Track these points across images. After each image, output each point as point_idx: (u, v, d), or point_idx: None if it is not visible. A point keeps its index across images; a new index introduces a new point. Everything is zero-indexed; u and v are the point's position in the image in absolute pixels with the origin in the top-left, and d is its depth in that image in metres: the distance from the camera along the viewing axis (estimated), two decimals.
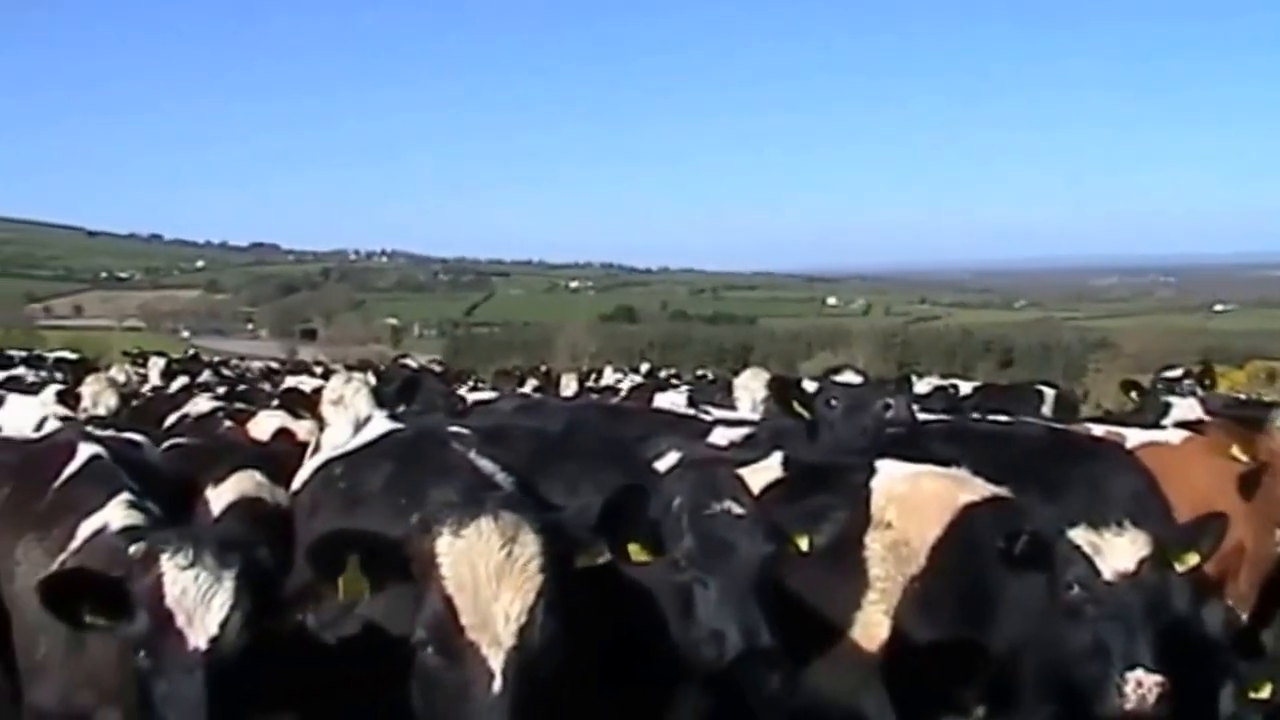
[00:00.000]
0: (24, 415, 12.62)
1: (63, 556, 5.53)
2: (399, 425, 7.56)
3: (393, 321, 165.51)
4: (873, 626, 6.03)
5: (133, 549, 4.83)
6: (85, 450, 6.37)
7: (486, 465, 6.12)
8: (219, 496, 6.47)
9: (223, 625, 4.45)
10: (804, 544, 5.39)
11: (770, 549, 5.22)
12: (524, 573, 4.17)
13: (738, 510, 5.24)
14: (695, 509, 5.25)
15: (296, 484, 7.07)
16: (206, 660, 4.39)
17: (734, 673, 5.07)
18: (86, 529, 5.61)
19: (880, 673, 6.00)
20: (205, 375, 27.04)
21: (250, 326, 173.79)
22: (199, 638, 4.42)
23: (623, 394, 23.74)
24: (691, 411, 12.10)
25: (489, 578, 4.13)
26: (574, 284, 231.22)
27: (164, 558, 4.53)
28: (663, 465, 7.04)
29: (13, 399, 13.84)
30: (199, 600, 4.45)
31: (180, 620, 4.42)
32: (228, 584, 4.50)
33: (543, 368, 39.40)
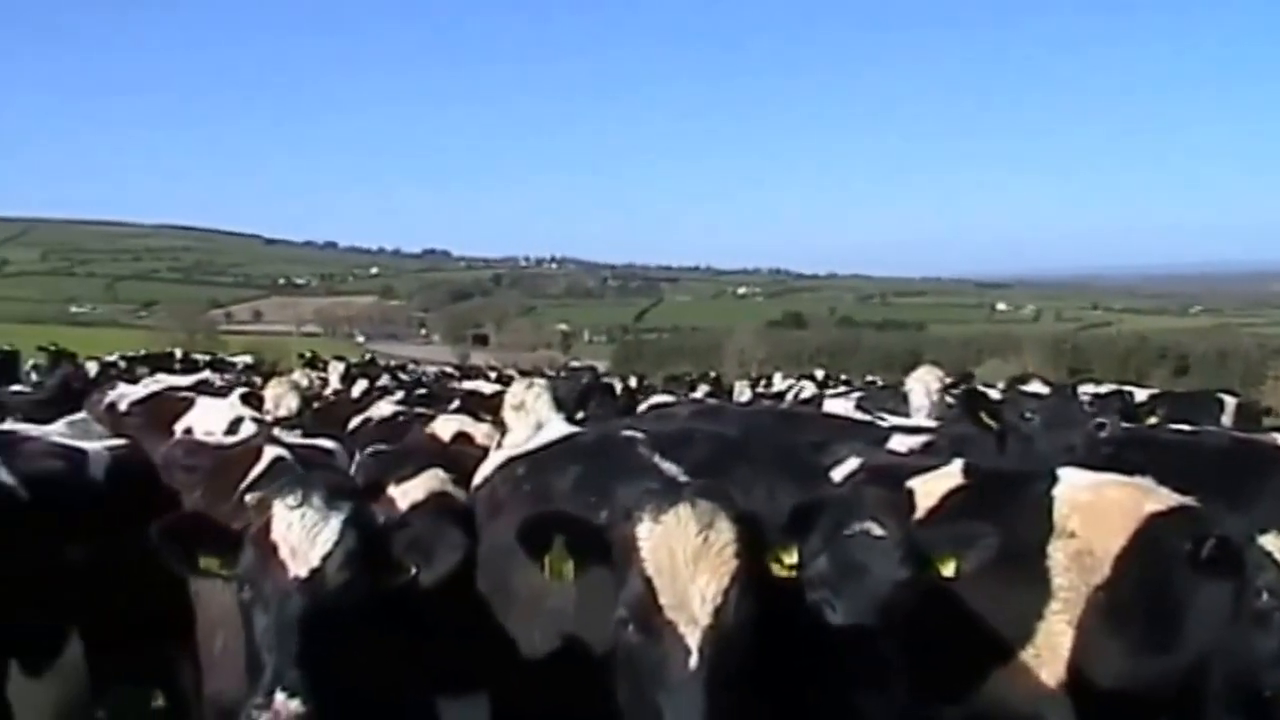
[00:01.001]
0: (214, 417, 13.03)
1: None
2: (576, 429, 7.70)
3: (563, 327, 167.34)
4: (1056, 636, 5.93)
5: (248, 497, 5.08)
6: (270, 453, 6.62)
7: (669, 467, 6.20)
8: (405, 495, 6.57)
9: (324, 559, 4.60)
10: (949, 569, 5.27)
11: (904, 575, 5.01)
12: (719, 557, 4.36)
13: (877, 531, 5.15)
14: (834, 527, 5.16)
15: (477, 481, 7.20)
16: (305, 588, 4.53)
17: (851, 697, 5.07)
18: None
19: (1064, 683, 5.93)
20: (384, 379, 27.47)
21: (423, 331, 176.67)
22: (300, 568, 4.56)
23: (799, 401, 23.66)
24: (866, 417, 11.96)
25: (686, 561, 4.33)
26: (742, 290, 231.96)
27: (276, 500, 4.72)
28: (841, 472, 7.02)
29: (203, 401, 14.27)
30: (304, 535, 4.62)
31: (283, 552, 4.59)
32: (334, 523, 4.66)
33: (711, 374, 39.44)
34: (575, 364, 35.77)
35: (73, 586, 5.96)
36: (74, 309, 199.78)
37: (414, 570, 4.89)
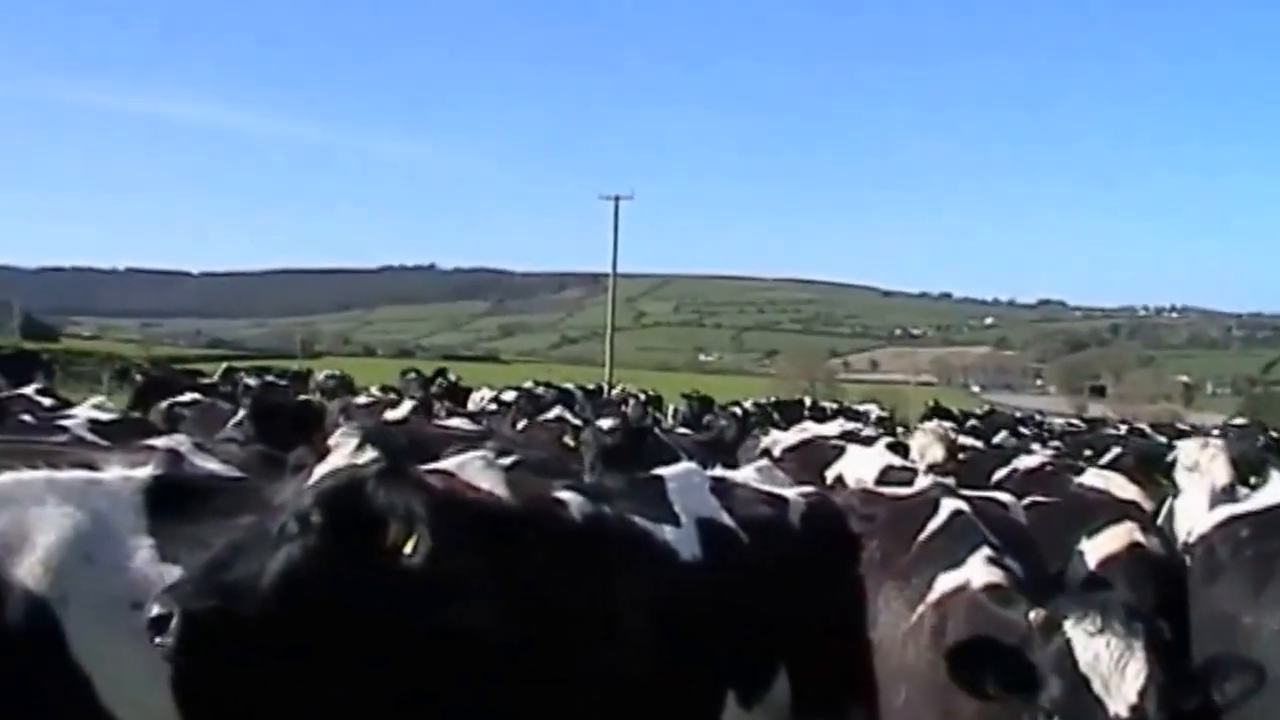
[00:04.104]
0: (864, 465, 13.64)
1: (920, 609, 5.83)
2: None
3: (1184, 379, 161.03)
4: None
5: (1031, 615, 4.81)
6: (948, 506, 6.61)
7: None
8: (1095, 549, 6.54)
9: (1141, 694, 4.43)
10: None
11: None
12: None
13: None
14: None
15: (1191, 539, 7.18)
16: None
17: None
18: (946, 583, 5.79)
19: None
20: (1002, 435, 26.83)
21: (1039, 382, 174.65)
22: (1118, 705, 4.43)
23: None
24: None
25: None
26: None
27: (1069, 623, 4.59)
28: None
29: (853, 449, 14.93)
30: (1113, 667, 4.46)
31: (1096, 686, 4.46)
32: (1140, 652, 4.48)
33: None
34: (1241, 421, 34.39)
35: (782, 625, 6.36)
36: (703, 357, 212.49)
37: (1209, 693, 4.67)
